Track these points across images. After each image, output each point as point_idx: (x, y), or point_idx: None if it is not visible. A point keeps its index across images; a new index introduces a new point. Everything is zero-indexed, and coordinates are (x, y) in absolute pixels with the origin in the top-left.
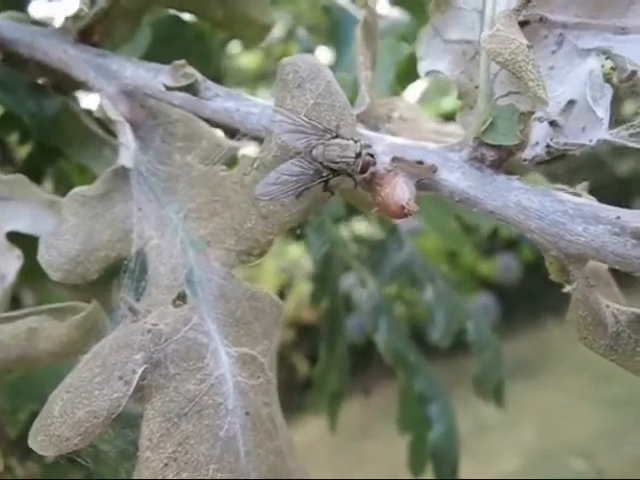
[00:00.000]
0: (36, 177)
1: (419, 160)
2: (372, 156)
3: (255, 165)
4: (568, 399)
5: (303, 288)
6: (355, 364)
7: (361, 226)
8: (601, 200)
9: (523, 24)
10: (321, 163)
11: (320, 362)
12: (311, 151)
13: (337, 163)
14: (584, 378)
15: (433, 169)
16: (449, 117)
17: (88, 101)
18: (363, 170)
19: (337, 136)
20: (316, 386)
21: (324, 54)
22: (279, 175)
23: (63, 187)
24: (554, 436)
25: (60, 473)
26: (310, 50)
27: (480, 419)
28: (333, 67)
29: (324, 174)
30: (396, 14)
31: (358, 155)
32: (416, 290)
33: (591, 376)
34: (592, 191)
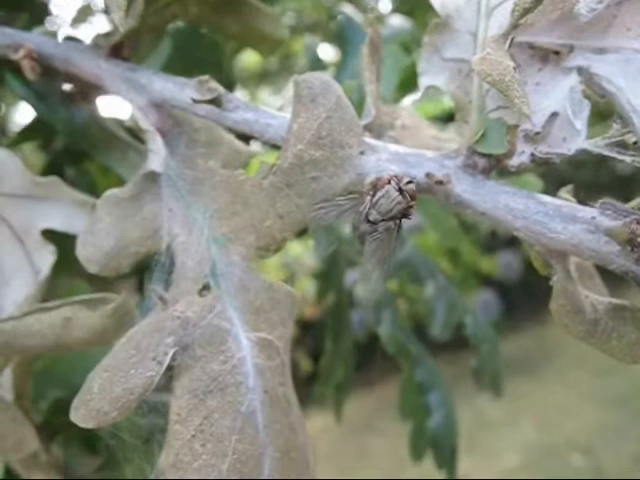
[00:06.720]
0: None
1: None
2: (411, 182)
3: (273, 170)
4: (569, 395)
5: (306, 285)
6: (359, 360)
7: None
8: (603, 197)
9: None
10: (381, 220)
11: (326, 354)
12: (359, 227)
13: (392, 211)
14: (585, 374)
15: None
16: (451, 114)
17: (107, 106)
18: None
19: (374, 194)
20: (323, 378)
21: (328, 51)
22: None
23: (82, 187)
24: (555, 432)
25: (81, 459)
26: (317, 56)
27: (482, 415)
28: (339, 67)
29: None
30: (399, 21)
31: (400, 190)
32: (418, 287)
33: (592, 372)
34: (594, 189)
